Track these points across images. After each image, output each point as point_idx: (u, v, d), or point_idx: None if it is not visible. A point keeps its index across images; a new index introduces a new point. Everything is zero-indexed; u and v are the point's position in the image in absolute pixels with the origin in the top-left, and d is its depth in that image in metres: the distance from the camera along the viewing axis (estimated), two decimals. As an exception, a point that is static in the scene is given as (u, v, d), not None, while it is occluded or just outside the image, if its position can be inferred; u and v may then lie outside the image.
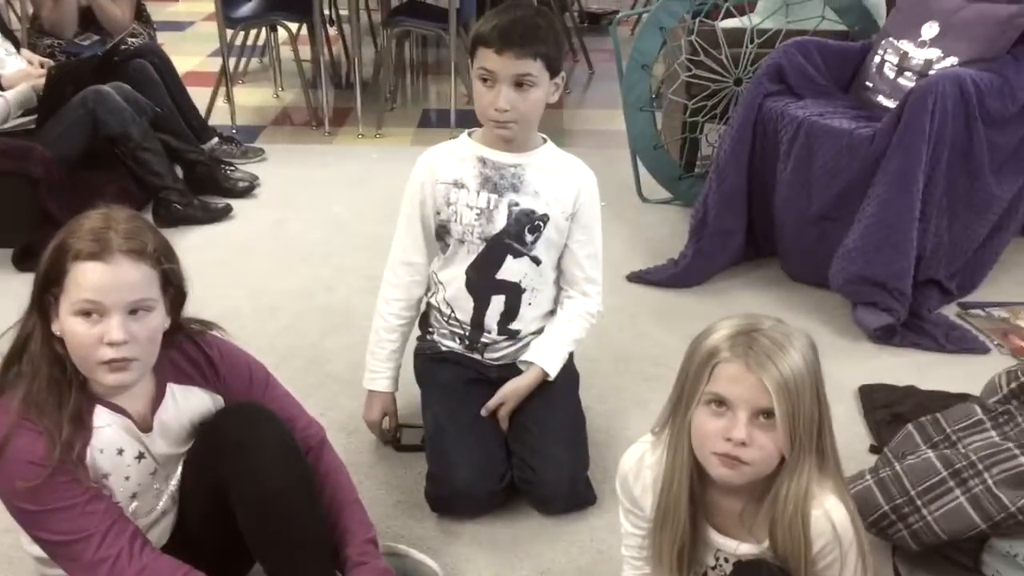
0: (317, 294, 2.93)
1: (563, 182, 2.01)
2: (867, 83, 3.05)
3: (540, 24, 1.89)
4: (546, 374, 2.03)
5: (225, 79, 4.35)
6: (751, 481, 1.36)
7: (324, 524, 1.57)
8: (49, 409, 1.40)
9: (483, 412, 2.01)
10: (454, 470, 1.92)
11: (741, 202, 2.98)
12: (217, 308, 2.71)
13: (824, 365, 2.57)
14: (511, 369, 2.07)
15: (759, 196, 3.00)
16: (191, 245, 3.22)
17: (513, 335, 2.06)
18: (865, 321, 2.66)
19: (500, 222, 1.98)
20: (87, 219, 1.40)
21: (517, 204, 1.98)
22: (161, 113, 3.46)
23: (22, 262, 3.02)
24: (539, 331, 2.08)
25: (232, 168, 3.71)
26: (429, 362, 2.10)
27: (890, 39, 3.02)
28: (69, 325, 1.38)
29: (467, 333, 2.06)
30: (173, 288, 1.46)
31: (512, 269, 2.01)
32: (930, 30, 2.92)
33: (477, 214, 1.98)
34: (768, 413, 1.30)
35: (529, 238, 1.99)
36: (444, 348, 2.09)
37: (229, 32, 4.39)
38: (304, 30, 4.84)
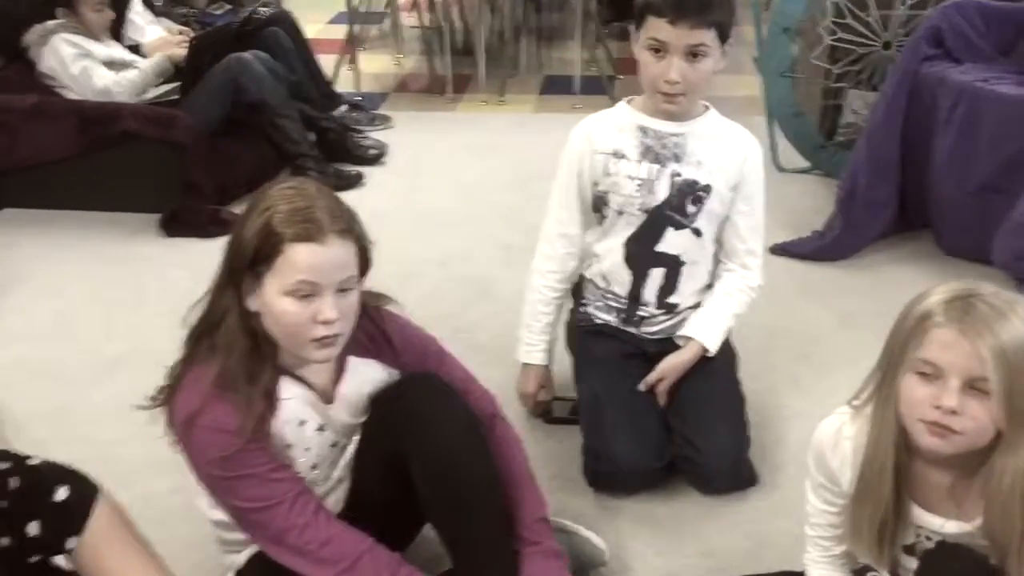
0: (454, 262, 2.92)
1: (727, 151, 1.94)
2: (1033, 46, 2.87)
3: None
4: (706, 349, 1.97)
5: (351, 46, 4.36)
6: (962, 454, 1.29)
7: (501, 495, 1.56)
8: (242, 384, 1.41)
9: (641, 387, 1.97)
10: (614, 445, 1.88)
11: (893, 172, 2.85)
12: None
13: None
14: (668, 344, 2.02)
15: (912, 166, 2.86)
16: (327, 212, 3.25)
17: (671, 309, 2.01)
18: (1033, 299, 2.51)
19: (662, 193, 1.92)
20: (282, 197, 1.39)
21: (679, 174, 1.92)
22: (296, 80, 3.49)
23: (168, 227, 3.09)
24: (696, 305, 2.02)
25: (362, 135, 3.72)
26: (584, 335, 2.06)
27: (1060, -2, 2.84)
28: (280, 305, 1.38)
29: (624, 306, 2.01)
30: (365, 262, 1.46)
31: (673, 242, 1.95)
32: (1107, -12, 2.73)
33: (638, 185, 1.92)
34: (982, 383, 1.22)
35: (691, 209, 1.93)
36: (599, 321, 2.05)
37: (354, -1, 4.40)
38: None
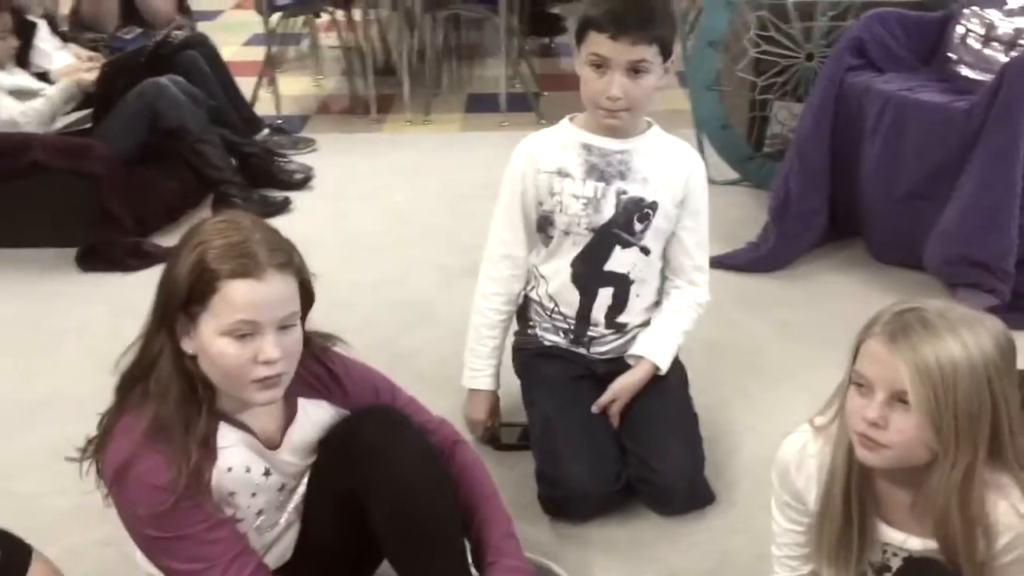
0: (389, 287, 2.85)
1: (672, 167, 1.92)
2: (950, 55, 2.93)
3: (655, 6, 1.80)
4: (657, 368, 1.94)
5: (270, 68, 4.26)
6: (915, 469, 1.28)
7: (461, 529, 1.50)
8: (177, 432, 1.32)
9: (594, 409, 1.93)
10: (569, 470, 1.84)
11: (824, 181, 2.88)
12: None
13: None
14: (618, 363, 1.98)
15: (841, 174, 2.90)
16: (254, 240, 3.15)
17: (620, 328, 1.98)
18: (968, 303, 2.54)
19: (608, 211, 1.89)
20: (216, 232, 1.31)
21: (625, 192, 1.89)
22: (216, 105, 3.38)
23: (85, 262, 2.95)
24: (645, 323, 1.99)
25: (286, 160, 3.63)
26: (532, 357, 2.02)
27: (974, 8, 2.90)
28: (217, 346, 1.30)
29: (572, 327, 1.97)
30: (307, 296, 1.39)
31: (621, 260, 1.92)
32: (1019, -3, 2.81)
33: (584, 204, 1.88)
34: (906, 396, 1.21)
35: (638, 227, 1.90)
36: (547, 343, 2.01)
37: (271, 20, 4.30)
38: (339, 16, 4.75)
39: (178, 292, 1.30)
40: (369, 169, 3.74)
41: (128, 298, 2.83)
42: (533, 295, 2.01)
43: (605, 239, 1.90)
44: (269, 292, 1.30)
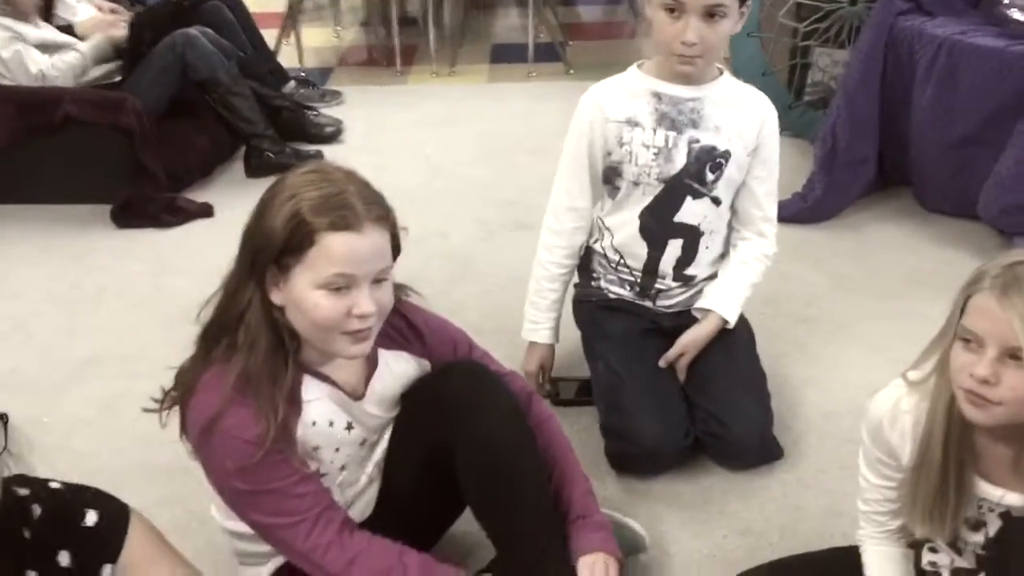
0: (431, 241, 2.80)
1: (745, 115, 1.86)
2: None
3: None
4: (725, 321, 1.91)
5: (292, 18, 4.17)
6: (1015, 425, 1.24)
7: (547, 484, 1.48)
8: (265, 385, 1.29)
9: (662, 363, 1.90)
10: (639, 426, 1.81)
11: (873, 129, 2.82)
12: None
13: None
14: (685, 317, 1.95)
15: (890, 122, 2.83)
16: (288, 195, 3.09)
17: (688, 280, 1.94)
18: (1025, 252, 2.51)
19: (680, 161, 1.83)
20: (308, 183, 1.28)
21: (697, 141, 1.83)
22: (245, 57, 3.31)
23: (121, 218, 2.91)
24: (712, 276, 1.95)
25: (315, 113, 3.56)
26: (596, 310, 1.98)
27: (1027, -51, 2.82)
28: (313, 299, 1.27)
29: (638, 280, 1.93)
30: (396, 249, 1.35)
31: (692, 211, 1.87)
32: (1076, -64, 2.72)
33: (655, 154, 1.83)
34: (1020, 352, 1.17)
35: (710, 177, 1.85)
36: (612, 295, 1.97)
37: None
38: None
39: (271, 244, 1.26)
40: (398, 121, 3.67)
41: (165, 254, 2.79)
42: (597, 247, 1.97)
43: (676, 189, 1.85)
44: (367, 246, 1.26)
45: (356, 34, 4.81)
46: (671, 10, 1.71)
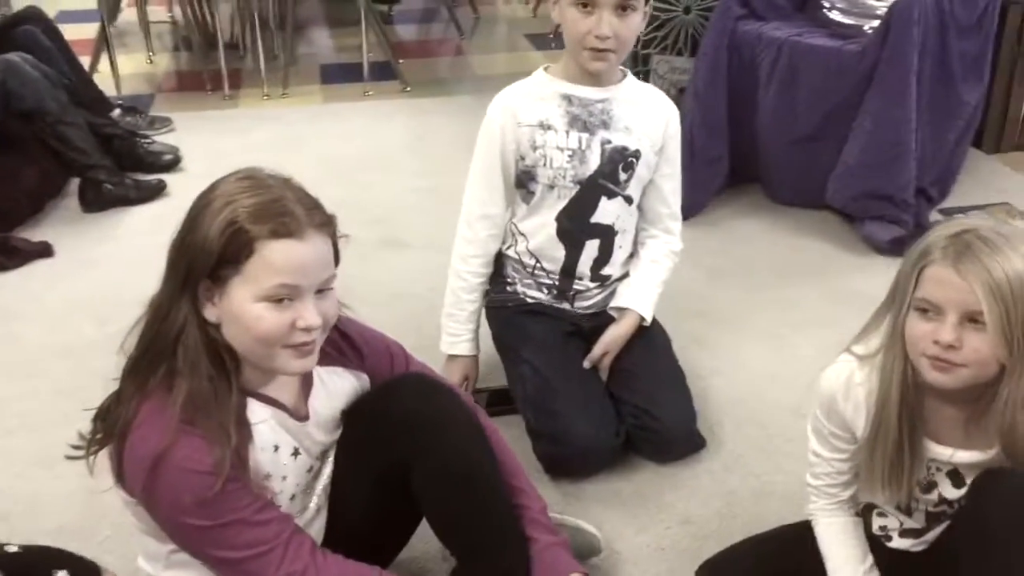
0: (301, 266, 2.68)
1: (650, 114, 1.91)
2: (823, 2, 3.07)
3: None
4: (642, 318, 1.94)
5: (107, 44, 3.91)
6: (970, 386, 1.33)
7: (510, 499, 1.44)
8: (213, 409, 1.20)
9: (586, 364, 1.90)
10: (572, 427, 1.80)
11: (724, 128, 2.95)
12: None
13: (845, 281, 2.62)
14: (601, 318, 1.97)
15: (738, 121, 2.98)
16: (136, 228, 2.89)
17: (604, 280, 1.96)
18: (876, 235, 2.70)
19: (594, 162, 1.86)
20: (242, 190, 1.21)
21: (609, 141, 1.86)
22: (71, 84, 3.06)
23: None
24: (624, 276, 1.98)
25: (149, 141, 3.34)
26: (514, 315, 1.96)
27: (843, -43, 3.05)
28: (253, 312, 1.19)
29: (556, 282, 1.94)
30: (336, 258, 1.29)
31: (606, 211, 1.89)
32: (885, -55, 2.97)
33: (569, 156, 1.85)
34: (979, 316, 1.26)
35: (623, 176, 1.89)
36: (530, 300, 1.96)
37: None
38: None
39: (206, 255, 1.17)
40: (239, 146, 3.51)
41: (6, 301, 2.53)
42: (510, 253, 1.95)
43: (591, 190, 1.87)
44: (311, 253, 1.20)
45: (170, 60, 4.57)
46: (583, 5, 1.74)
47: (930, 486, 1.44)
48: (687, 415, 1.89)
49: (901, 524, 1.51)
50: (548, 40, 4.80)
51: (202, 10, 4.56)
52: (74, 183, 3.02)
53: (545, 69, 1.90)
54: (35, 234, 2.81)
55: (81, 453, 1.27)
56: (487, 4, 5.55)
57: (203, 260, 1.18)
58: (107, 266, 2.68)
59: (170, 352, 1.21)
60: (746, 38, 2.91)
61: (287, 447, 1.32)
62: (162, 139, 3.46)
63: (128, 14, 4.75)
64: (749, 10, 3.01)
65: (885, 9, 2.84)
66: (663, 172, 1.93)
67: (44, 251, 2.71)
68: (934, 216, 2.89)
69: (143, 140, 3.32)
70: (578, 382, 1.87)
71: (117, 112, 3.46)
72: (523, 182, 1.88)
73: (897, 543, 1.52)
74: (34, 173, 2.89)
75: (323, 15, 5.22)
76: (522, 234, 1.92)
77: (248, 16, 4.22)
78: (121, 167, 3.11)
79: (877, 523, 1.53)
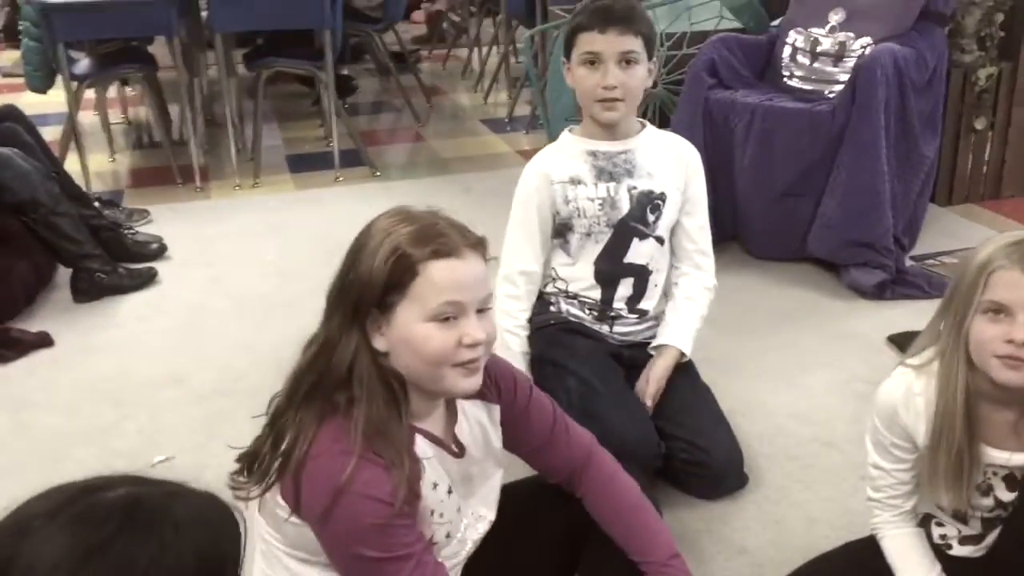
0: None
1: (672, 158, 2.04)
2: (782, 71, 3.28)
3: (634, 6, 1.94)
4: (683, 354, 2.01)
5: (76, 141, 3.91)
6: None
7: None
8: (391, 436, 1.22)
9: (637, 390, 1.97)
10: (615, 427, 1.78)
11: (705, 191, 3.09)
12: (215, 371, 2.47)
13: (838, 324, 2.73)
14: (640, 350, 2.05)
15: (714, 183, 3.09)
16: (132, 314, 2.88)
17: (641, 313, 2.06)
18: (861, 281, 2.84)
19: (624, 206, 1.98)
20: (396, 222, 1.24)
21: (635, 187, 1.99)
22: (59, 177, 3.06)
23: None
24: (661, 313, 2.07)
25: (134, 232, 3.34)
26: (558, 332, 2.02)
27: (797, 29, 3.27)
28: (422, 332, 1.22)
29: (596, 305, 2.03)
30: None
31: (639, 251, 2.01)
32: (837, 16, 3.20)
33: (600, 204, 1.97)
34: None
35: (651, 218, 2.01)
36: (572, 319, 2.03)
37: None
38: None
39: (373, 285, 1.21)
40: (221, 233, 3.53)
41: (15, 391, 2.48)
42: (550, 288, 2.06)
43: (624, 232, 1.99)
44: (470, 271, 1.24)
45: (133, 158, 4.58)
46: (590, 63, 1.89)
47: (988, 490, 1.52)
48: (736, 451, 1.96)
49: (959, 532, 1.57)
50: (504, 124, 4.97)
51: (163, 110, 4.60)
52: (63, 274, 3.00)
53: (570, 131, 2.03)
54: (31, 325, 2.77)
55: (250, 492, 1.25)
56: (440, 94, 5.72)
57: (371, 290, 1.21)
58: (110, 352, 2.65)
59: (345, 382, 1.23)
60: (719, 105, 3.08)
61: (444, 484, 1.33)
62: (143, 230, 3.47)
63: (83, 116, 4.75)
64: (717, 80, 3.19)
65: (844, 75, 3.06)
66: (686, 211, 2.05)
67: (44, 341, 2.67)
68: (908, 263, 3.05)
69: (127, 231, 3.31)
70: (622, 391, 1.94)
71: (97, 205, 3.45)
72: (562, 232, 2.00)
73: (958, 551, 1.57)
74: (27, 266, 2.86)
75: (272, 111, 5.31)
76: (562, 279, 2.03)
77: (209, 113, 4.27)
78: (110, 257, 3.10)
79: (937, 532, 1.58)
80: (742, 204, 3.11)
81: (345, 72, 5.44)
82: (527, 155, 4.04)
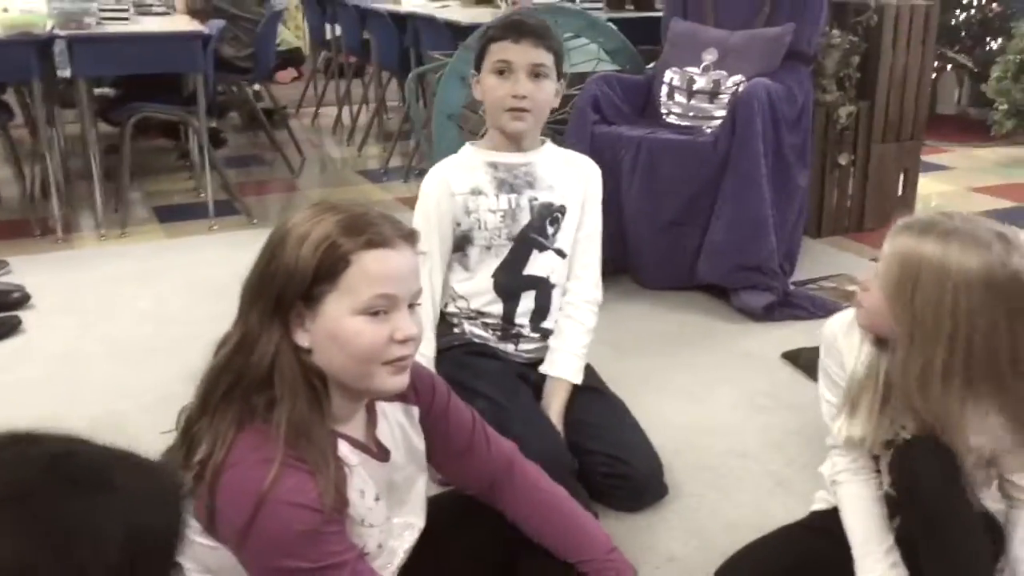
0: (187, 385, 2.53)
1: (572, 173, 2.05)
2: (661, 108, 3.38)
3: (548, 24, 1.96)
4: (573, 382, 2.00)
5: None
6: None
7: None
8: (315, 438, 1.13)
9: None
10: (530, 444, 1.63)
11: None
12: (90, 416, 2.29)
13: (734, 345, 2.79)
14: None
15: (607, 216, 3.14)
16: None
17: (545, 333, 2.03)
18: (751, 303, 2.91)
19: (524, 218, 1.97)
20: (322, 211, 1.18)
21: (536, 199, 1.98)
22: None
23: None
24: None
25: (-10, 281, 3.10)
26: (464, 356, 1.96)
27: (672, 69, 3.39)
28: (352, 326, 1.15)
29: (499, 324, 1.99)
30: None
31: (539, 264, 1.99)
32: (710, 56, 3.33)
33: (502, 216, 1.95)
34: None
35: (550, 230, 2.01)
36: (477, 340, 1.99)
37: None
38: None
39: (300, 274, 1.14)
40: (89, 279, 3.33)
41: None
42: (452, 308, 2.01)
43: (524, 244, 1.98)
44: (404, 263, 1.18)
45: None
46: (500, 72, 1.89)
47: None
48: (656, 460, 1.94)
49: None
50: (380, 174, 4.93)
51: (17, 162, 4.35)
52: (-86, 325, 2.74)
53: (472, 144, 2.01)
54: None
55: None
56: (313, 147, 5.64)
57: (297, 280, 1.14)
58: (-28, 403, 2.43)
59: (265, 381, 1.14)
60: (605, 139, 3.13)
61: (371, 491, 1.25)
62: (2, 279, 3.23)
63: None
64: (601, 116, 3.25)
65: (719, 111, 3.18)
66: (582, 223, 2.05)
67: None
68: (791, 287, 3.14)
69: (-17, 280, 3.08)
70: (532, 408, 1.90)
71: (-53, 256, 3.20)
72: (461, 245, 1.97)
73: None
74: None
75: (136, 167, 5.09)
76: (462, 297, 1.98)
77: (95, 153, 4.05)
78: (-37, 308, 2.87)
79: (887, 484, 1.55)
80: (631, 236, 3.15)
81: (213, 125, 5.29)
82: (408, 202, 4.02)
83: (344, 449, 1.21)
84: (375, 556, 1.26)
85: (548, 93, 1.92)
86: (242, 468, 1.10)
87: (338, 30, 6.03)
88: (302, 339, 1.16)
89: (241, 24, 4.76)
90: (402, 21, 4.90)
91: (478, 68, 1.95)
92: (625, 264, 3.25)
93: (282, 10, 5.23)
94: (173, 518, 0.79)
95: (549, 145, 2.04)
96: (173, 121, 4.55)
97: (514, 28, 1.89)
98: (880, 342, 1.48)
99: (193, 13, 4.73)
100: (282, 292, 1.14)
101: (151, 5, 4.74)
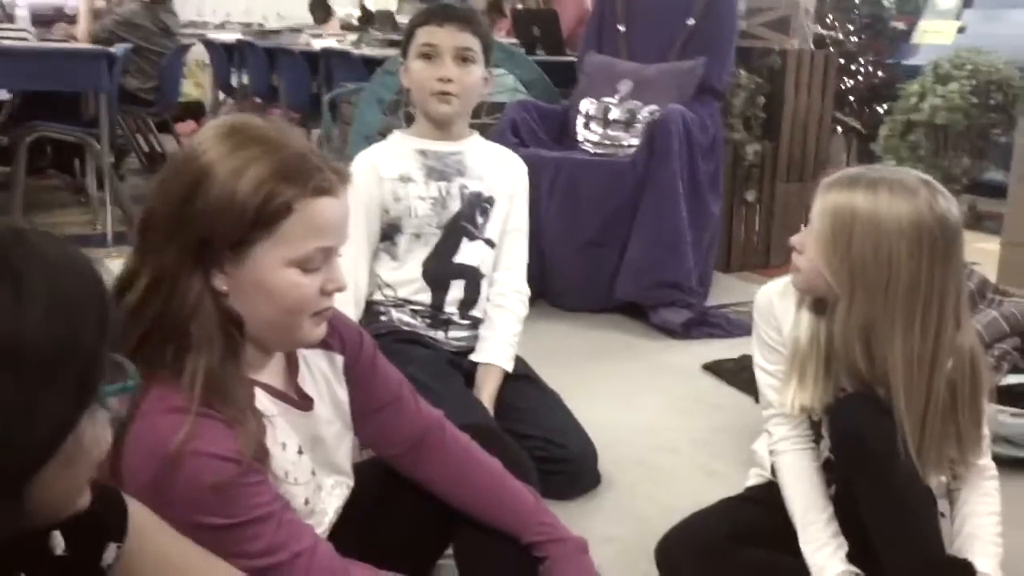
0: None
1: (501, 166, 2.05)
2: (576, 135, 3.42)
3: (475, 11, 1.99)
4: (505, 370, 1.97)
5: None
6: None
7: None
8: (232, 389, 1.05)
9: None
10: (464, 419, 1.64)
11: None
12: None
13: (658, 359, 2.79)
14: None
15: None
16: None
17: (475, 321, 2.00)
18: (670, 319, 2.93)
19: (454, 206, 1.95)
20: (252, 145, 1.06)
21: (467, 187, 1.97)
22: None
23: None
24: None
25: None
26: (394, 344, 1.88)
27: (589, 99, 3.45)
28: (288, 278, 1.07)
29: (427, 309, 1.95)
30: None
31: (469, 253, 1.97)
32: (625, 87, 3.41)
33: (431, 203, 1.93)
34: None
35: (480, 220, 1.99)
36: (406, 328, 1.93)
37: None
38: None
39: (235, 218, 1.04)
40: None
41: None
42: (379, 296, 1.96)
43: (454, 232, 1.95)
44: (344, 211, 1.12)
45: None
46: (427, 57, 1.88)
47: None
48: (590, 445, 1.91)
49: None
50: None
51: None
52: None
53: (400, 131, 2.01)
54: None
55: None
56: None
57: (231, 225, 1.04)
58: None
59: (182, 331, 1.05)
60: (524, 161, 3.14)
61: (293, 444, 1.17)
62: None
63: None
64: (519, 140, 3.28)
65: (634, 139, 3.24)
66: (509, 215, 2.04)
67: None
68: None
69: None
70: (463, 393, 1.86)
71: None
72: (389, 234, 1.93)
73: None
74: None
75: (24, 204, 4.90)
76: (388, 285, 1.94)
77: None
78: None
79: (825, 451, 1.54)
80: (549, 258, 3.15)
81: (112, 161, 5.13)
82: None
83: (262, 399, 1.13)
84: (303, 515, 1.18)
85: (475, 77, 1.92)
86: (152, 418, 1.01)
87: (245, 78, 5.98)
88: (220, 283, 1.08)
89: (146, 56, 4.65)
90: (314, 61, 4.89)
91: (404, 54, 1.95)
92: (543, 288, 3.22)
93: (189, 45, 5.15)
94: (99, 320, 0.74)
95: (478, 137, 2.05)
96: (67, 150, 4.38)
97: (439, 12, 1.90)
98: (818, 306, 1.48)
99: (96, 43, 4.61)
100: (210, 235, 1.05)
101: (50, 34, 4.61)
